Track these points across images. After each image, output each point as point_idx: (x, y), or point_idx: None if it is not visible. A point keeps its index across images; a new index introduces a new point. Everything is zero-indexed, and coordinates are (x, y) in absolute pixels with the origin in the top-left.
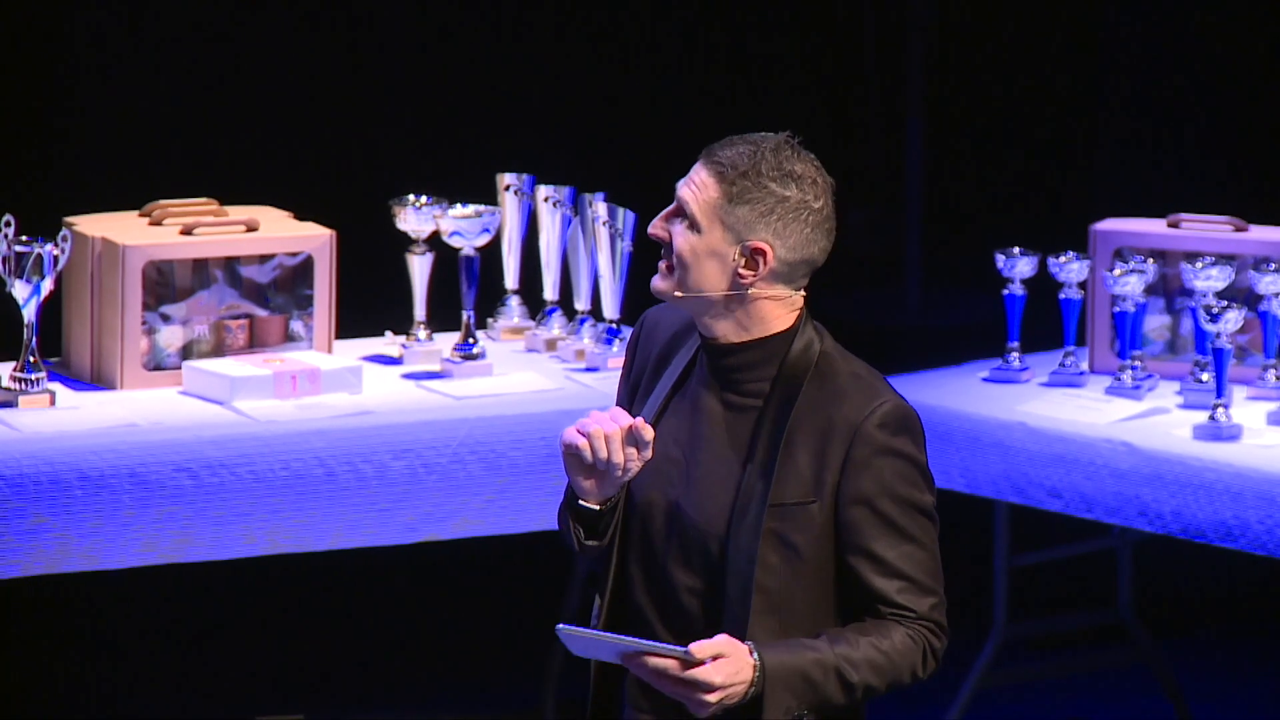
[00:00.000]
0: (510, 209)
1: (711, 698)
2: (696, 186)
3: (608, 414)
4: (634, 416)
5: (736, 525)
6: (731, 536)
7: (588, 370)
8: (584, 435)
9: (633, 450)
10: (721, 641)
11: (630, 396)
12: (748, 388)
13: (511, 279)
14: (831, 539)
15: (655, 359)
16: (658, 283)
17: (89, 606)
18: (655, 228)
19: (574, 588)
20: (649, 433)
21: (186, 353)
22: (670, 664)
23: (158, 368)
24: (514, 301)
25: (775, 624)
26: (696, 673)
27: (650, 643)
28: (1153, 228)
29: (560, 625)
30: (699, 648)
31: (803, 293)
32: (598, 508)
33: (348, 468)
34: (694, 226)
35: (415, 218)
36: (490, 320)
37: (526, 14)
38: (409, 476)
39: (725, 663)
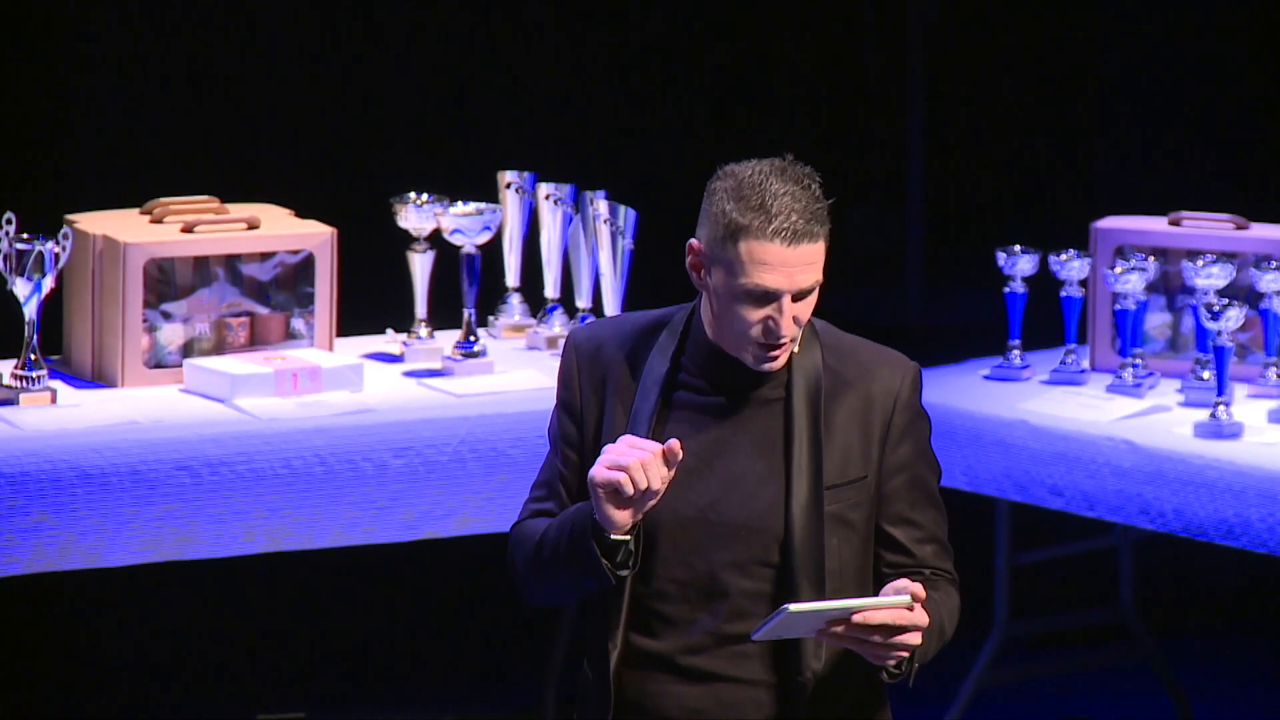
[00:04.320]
0: (511, 207)
1: (918, 639)
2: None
3: (626, 443)
4: (590, 442)
5: (795, 517)
6: (792, 530)
7: None
8: (620, 469)
9: (666, 472)
10: (904, 584)
11: (578, 423)
12: (768, 381)
13: (513, 277)
14: (875, 507)
15: (610, 379)
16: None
17: (90, 604)
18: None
19: (564, 622)
20: (679, 452)
21: (187, 350)
22: (894, 614)
23: (159, 365)
24: (515, 299)
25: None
26: (916, 616)
27: (864, 600)
28: (1154, 225)
29: (788, 605)
30: (913, 589)
31: None
32: (628, 537)
33: (348, 465)
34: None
35: (416, 215)
36: (491, 318)
37: (527, 12)
38: (409, 474)
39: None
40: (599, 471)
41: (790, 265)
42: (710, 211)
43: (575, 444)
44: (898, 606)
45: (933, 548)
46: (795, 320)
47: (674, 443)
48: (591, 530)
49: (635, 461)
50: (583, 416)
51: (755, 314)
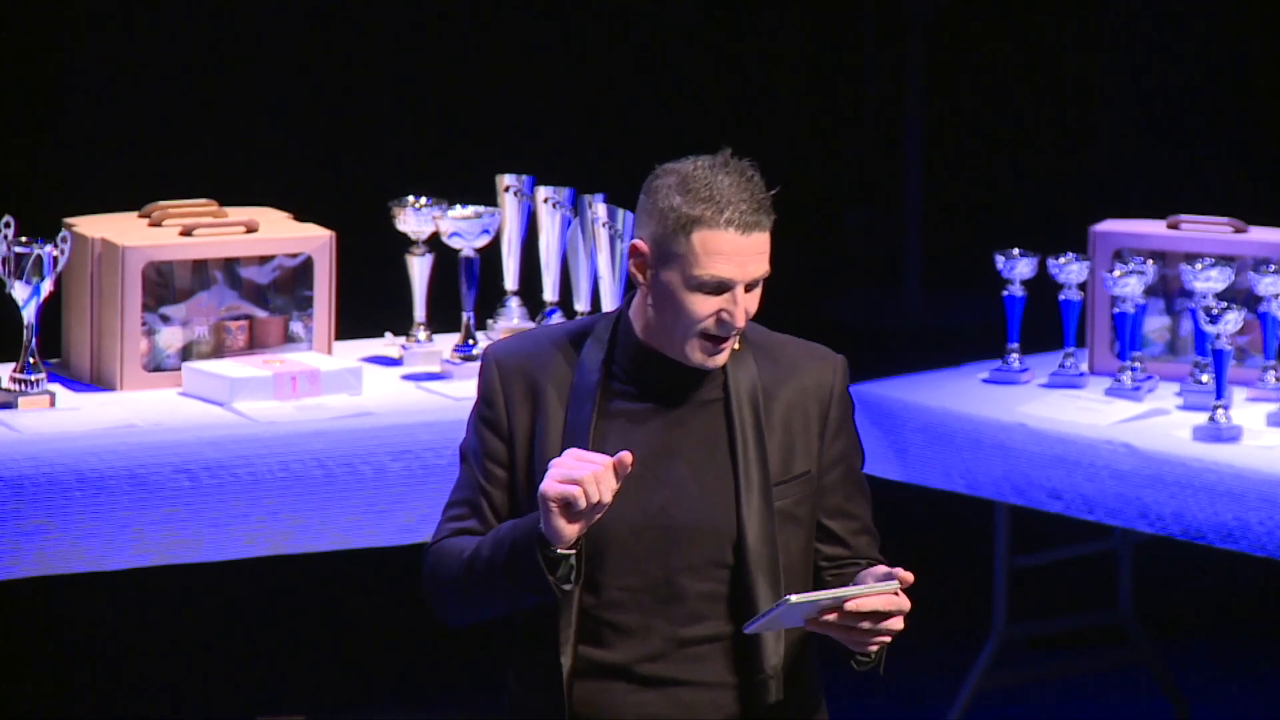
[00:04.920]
0: (510, 210)
1: (902, 624)
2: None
3: (574, 456)
4: (521, 458)
5: (747, 517)
6: (745, 529)
7: None
8: (573, 482)
9: (615, 484)
10: (884, 569)
11: (505, 439)
12: (704, 383)
13: (511, 280)
14: (816, 500)
15: (539, 393)
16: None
17: (89, 608)
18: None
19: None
20: (630, 464)
21: (186, 354)
22: (885, 600)
23: (157, 369)
24: (514, 303)
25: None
26: (902, 601)
27: (856, 587)
28: (1152, 229)
29: (790, 596)
30: (900, 575)
31: None
32: (574, 551)
33: (347, 469)
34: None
35: (415, 219)
36: (490, 321)
37: (526, 15)
38: (408, 477)
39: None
40: (551, 486)
41: (744, 254)
42: (655, 208)
43: (503, 461)
44: (886, 593)
45: (866, 538)
46: (745, 311)
47: (625, 455)
48: (538, 544)
49: (589, 475)
50: (511, 433)
51: (708, 306)
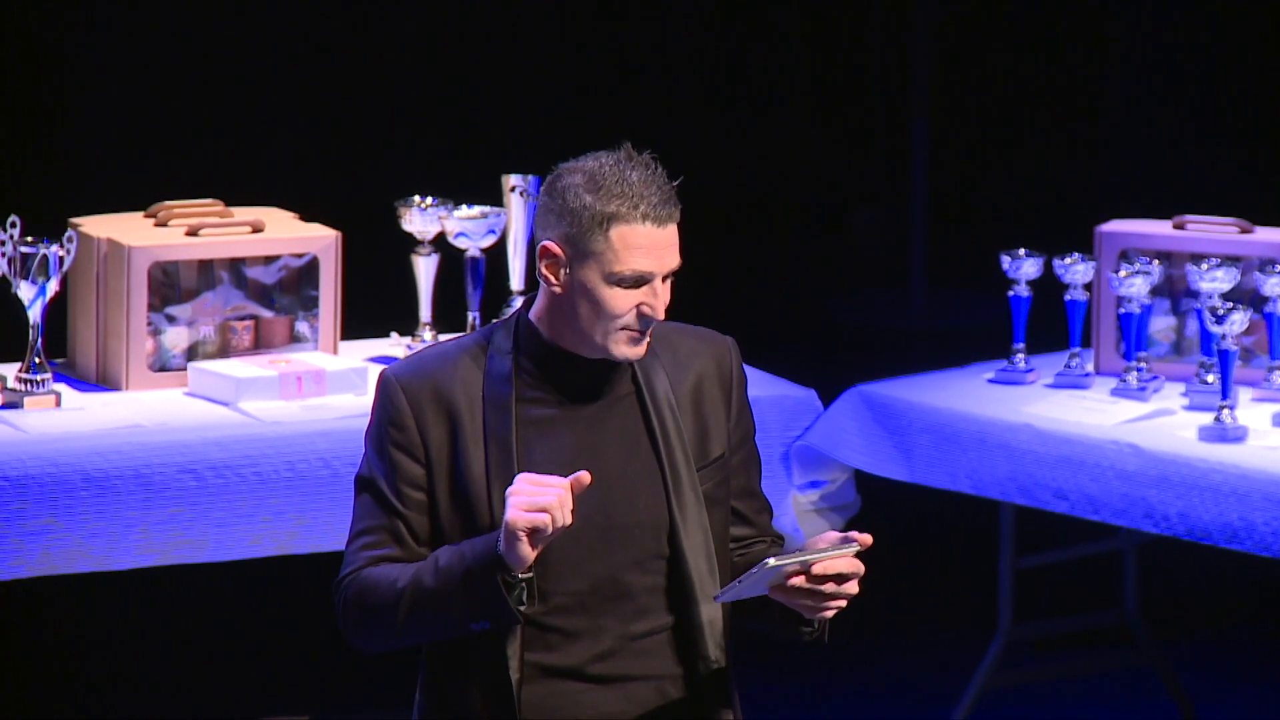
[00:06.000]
0: (515, 210)
1: (856, 588)
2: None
3: (530, 481)
4: (442, 479)
5: (678, 506)
6: (676, 519)
7: None
8: (541, 510)
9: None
10: (835, 535)
11: (422, 462)
12: (618, 379)
13: (517, 280)
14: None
15: (454, 411)
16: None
17: (94, 608)
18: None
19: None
20: (588, 481)
21: (192, 354)
22: (848, 563)
23: (163, 369)
24: (519, 303)
25: None
26: (859, 565)
27: (821, 551)
28: (1158, 229)
29: (768, 559)
30: (860, 538)
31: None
32: (531, 574)
33: (352, 469)
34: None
35: (421, 219)
36: (495, 321)
37: (531, 16)
38: None
39: None
40: (519, 516)
41: (660, 247)
42: (564, 208)
43: (419, 484)
44: (847, 554)
45: (767, 516)
46: (663, 303)
47: (584, 475)
48: (498, 570)
49: (554, 500)
50: (428, 455)
51: (628, 301)
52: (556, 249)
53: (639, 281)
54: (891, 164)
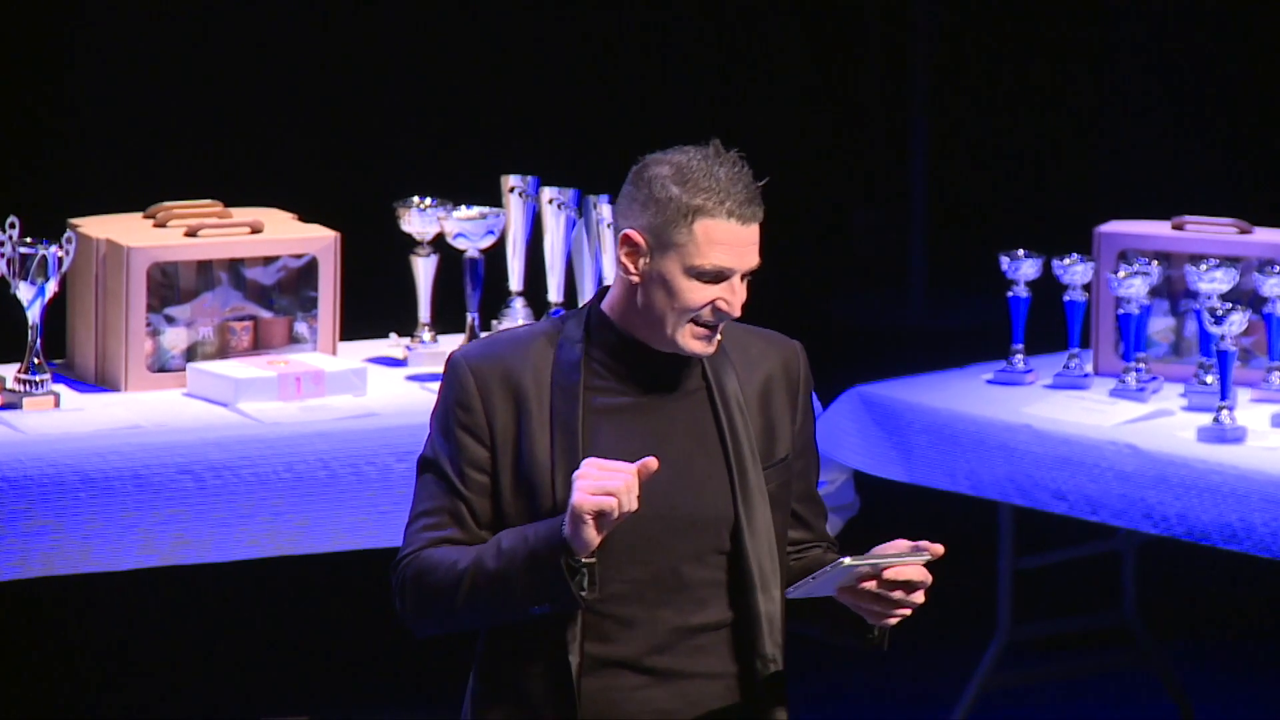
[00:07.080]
0: (515, 211)
1: (923, 597)
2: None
3: (597, 466)
4: (507, 462)
5: (743, 502)
6: (741, 515)
7: None
8: (609, 494)
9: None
10: (904, 543)
11: (487, 444)
12: (689, 373)
13: (516, 281)
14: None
15: (523, 395)
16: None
17: (93, 608)
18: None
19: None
20: (655, 467)
21: (191, 354)
22: (918, 571)
23: (162, 369)
24: (518, 303)
25: None
26: (927, 575)
27: (894, 557)
28: (1157, 230)
29: (843, 559)
30: (931, 548)
31: None
32: (595, 559)
33: (351, 469)
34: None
35: (420, 219)
36: (494, 322)
37: (530, 16)
38: (412, 478)
39: None
40: (585, 499)
41: (742, 244)
42: (649, 198)
43: (484, 466)
44: (918, 563)
45: (823, 521)
46: (740, 300)
47: (651, 461)
48: (563, 554)
49: (622, 485)
50: (493, 438)
51: (704, 295)
52: (638, 237)
53: (718, 276)
54: (891, 164)
